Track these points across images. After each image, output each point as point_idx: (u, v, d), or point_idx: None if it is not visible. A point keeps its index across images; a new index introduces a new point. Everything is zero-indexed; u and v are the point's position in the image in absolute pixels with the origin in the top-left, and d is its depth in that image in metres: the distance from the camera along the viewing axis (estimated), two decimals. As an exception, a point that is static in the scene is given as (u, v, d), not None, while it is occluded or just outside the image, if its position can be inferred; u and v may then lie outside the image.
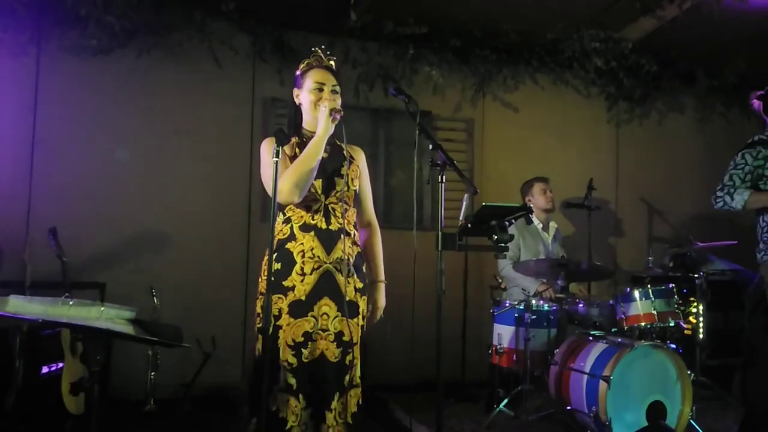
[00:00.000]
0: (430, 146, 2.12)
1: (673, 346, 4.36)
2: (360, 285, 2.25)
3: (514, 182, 4.63)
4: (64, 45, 3.70)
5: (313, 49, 2.33)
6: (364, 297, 2.27)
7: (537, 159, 4.75)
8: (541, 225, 4.08)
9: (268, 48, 4.11)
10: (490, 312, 3.63)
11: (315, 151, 2.12)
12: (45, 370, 3.04)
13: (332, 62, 2.30)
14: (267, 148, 2.17)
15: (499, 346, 3.52)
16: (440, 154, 2.07)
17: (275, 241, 2.16)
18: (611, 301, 3.56)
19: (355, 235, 2.28)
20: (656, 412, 3.03)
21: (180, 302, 3.74)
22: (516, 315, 3.44)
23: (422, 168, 4.53)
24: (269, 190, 2.11)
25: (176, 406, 3.45)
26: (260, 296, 2.17)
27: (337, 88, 2.25)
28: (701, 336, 4.14)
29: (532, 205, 4.04)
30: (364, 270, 2.30)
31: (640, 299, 3.38)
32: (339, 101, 2.23)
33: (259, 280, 2.21)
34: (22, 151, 3.67)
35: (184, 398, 3.43)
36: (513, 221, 2.06)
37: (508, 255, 3.93)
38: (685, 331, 4.20)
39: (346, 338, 2.16)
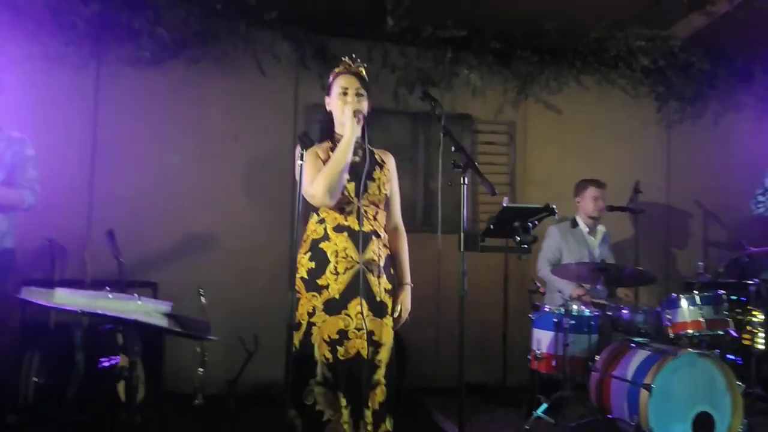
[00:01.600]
0: (453, 148, 2.13)
1: (732, 356, 4.22)
2: (389, 286, 2.29)
3: (558, 185, 4.56)
4: (121, 57, 3.94)
5: (342, 58, 2.39)
6: (392, 298, 2.31)
7: (582, 161, 4.65)
8: (587, 229, 3.99)
9: (309, 55, 4.23)
10: (530, 317, 3.59)
11: (343, 153, 2.19)
12: (104, 362, 3.24)
13: (361, 69, 2.35)
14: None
15: (538, 352, 3.48)
16: (462, 156, 2.08)
17: (309, 241, 2.25)
18: (658, 308, 3.45)
19: (385, 237, 2.33)
20: (704, 423, 2.92)
21: (226, 301, 3.90)
22: (555, 320, 3.38)
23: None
24: (304, 193, 2.20)
25: (222, 401, 3.59)
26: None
27: (362, 92, 2.30)
28: (760, 346, 3.93)
29: (579, 207, 3.96)
30: (392, 272, 2.34)
31: (687, 306, 3.26)
32: (364, 104, 2.29)
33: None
34: (84, 157, 3.92)
35: (228, 394, 3.57)
36: (536, 222, 2.05)
37: (547, 257, 3.89)
38: (744, 341, 4.02)
39: (376, 338, 2.22)
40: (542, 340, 3.48)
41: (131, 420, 1.79)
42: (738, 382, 2.97)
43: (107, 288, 1.77)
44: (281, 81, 4.25)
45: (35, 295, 1.72)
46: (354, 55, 2.38)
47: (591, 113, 4.81)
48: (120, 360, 3.10)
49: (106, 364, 3.16)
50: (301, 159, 2.02)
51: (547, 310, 3.47)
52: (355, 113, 2.21)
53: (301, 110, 4.30)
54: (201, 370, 3.56)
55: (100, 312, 1.61)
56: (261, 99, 4.22)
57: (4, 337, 3.30)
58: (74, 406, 3.17)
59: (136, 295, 1.84)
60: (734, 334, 3.23)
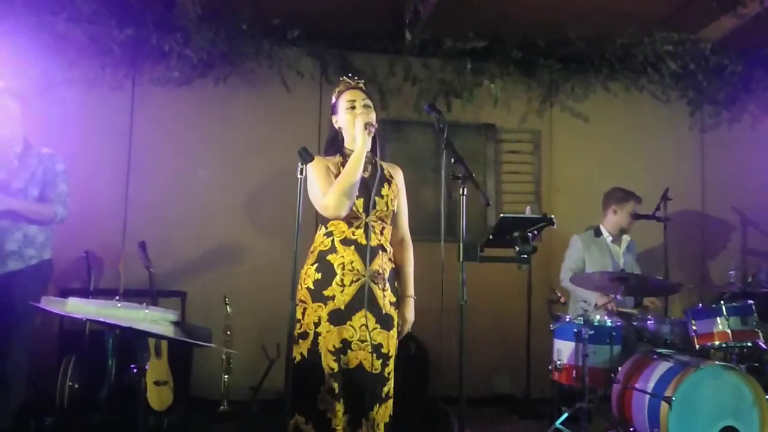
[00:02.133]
0: (453, 160, 2.16)
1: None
2: (393, 299, 2.32)
3: (585, 194, 4.50)
4: (153, 78, 4.15)
5: (341, 78, 2.47)
6: (397, 310, 2.34)
7: (610, 169, 4.59)
8: (610, 237, 3.92)
9: (332, 70, 4.33)
10: (550, 327, 3.54)
11: (355, 166, 2.22)
12: (134, 368, 3.40)
13: (361, 84, 2.40)
14: (314, 166, 2.28)
15: (558, 362, 3.43)
16: (461, 168, 2.11)
17: (317, 252, 2.29)
18: (684, 318, 3.35)
19: (391, 251, 2.36)
20: (729, 438, 2.83)
21: (251, 310, 4.02)
22: (575, 330, 3.33)
23: (486, 181, 4.58)
24: (316, 205, 2.28)
25: (246, 407, 3.70)
26: (300, 303, 2.26)
27: (369, 103, 2.34)
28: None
29: (612, 218, 3.88)
30: (396, 285, 2.37)
31: (713, 316, 3.15)
32: (373, 116, 2.32)
33: (298, 288, 2.30)
34: (119, 173, 4.14)
35: (252, 401, 3.67)
36: (536, 232, 2.05)
37: (570, 267, 3.83)
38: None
39: (384, 350, 2.24)
40: (563, 350, 3.43)
41: (138, 423, 1.88)
42: (767, 396, 2.85)
43: (116, 297, 1.88)
44: (305, 96, 4.37)
45: (51, 304, 1.85)
46: (351, 74, 2.45)
47: (619, 120, 4.72)
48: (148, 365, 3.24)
49: (136, 370, 3.31)
50: (301, 174, 2.08)
51: (568, 320, 3.42)
52: (366, 125, 2.24)
53: (325, 124, 4.33)
54: (226, 376, 3.68)
55: (103, 320, 1.72)
56: (286, 114, 4.35)
57: (44, 344, 3.52)
58: (106, 410, 3.33)
59: (144, 304, 1.95)
60: (764, 346, 3.09)
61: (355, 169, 2.22)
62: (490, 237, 2.01)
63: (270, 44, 4.16)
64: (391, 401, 2.29)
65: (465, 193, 2.13)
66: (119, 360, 3.48)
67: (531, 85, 4.61)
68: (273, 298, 4.17)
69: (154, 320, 1.91)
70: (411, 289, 2.40)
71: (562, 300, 3.57)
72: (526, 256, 1.98)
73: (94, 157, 4.01)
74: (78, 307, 1.80)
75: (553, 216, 1.93)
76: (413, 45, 4.26)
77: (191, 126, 4.24)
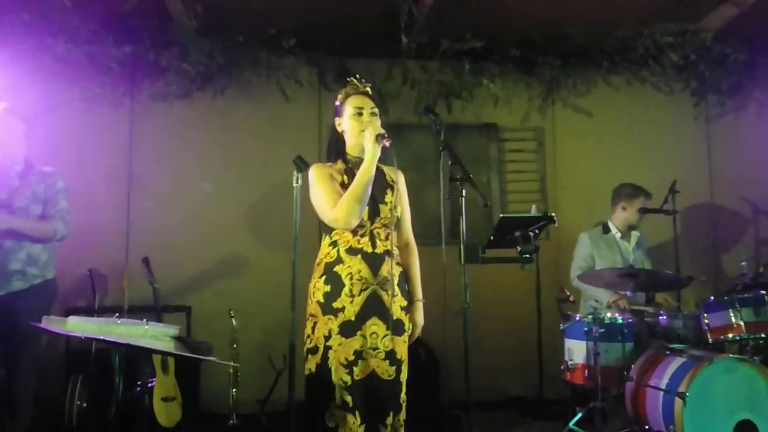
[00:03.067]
0: (450, 162, 2.13)
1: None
2: (404, 303, 2.28)
3: (591, 190, 4.45)
4: (152, 93, 4.15)
5: (348, 78, 2.42)
6: (408, 315, 2.30)
7: (616, 163, 4.53)
8: (619, 234, 3.86)
9: (331, 77, 4.33)
10: (560, 327, 3.49)
11: (365, 178, 2.18)
12: (140, 385, 3.38)
13: (368, 88, 2.37)
14: (316, 174, 2.27)
15: (570, 362, 3.38)
16: (459, 169, 2.08)
17: (323, 265, 2.25)
18: (697, 312, 3.28)
19: (397, 255, 2.32)
20: (746, 431, 2.76)
21: (257, 323, 3.99)
22: (586, 329, 3.28)
23: (490, 181, 4.54)
24: (320, 214, 2.25)
25: (255, 420, 3.67)
26: (310, 318, 2.24)
27: (376, 111, 2.31)
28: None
29: (621, 214, 3.82)
30: (406, 288, 2.33)
31: (725, 309, 3.09)
32: (378, 123, 2.28)
33: (308, 302, 2.28)
34: (121, 190, 4.14)
35: (260, 414, 3.64)
36: (537, 231, 2.01)
37: (580, 265, 3.78)
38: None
39: (398, 356, 2.21)
40: (574, 350, 3.37)
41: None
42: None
43: (116, 315, 1.86)
44: (304, 104, 4.36)
45: (51, 324, 1.83)
46: (358, 75, 2.40)
47: (622, 113, 4.67)
48: (155, 382, 3.23)
49: (143, 387, 3.30)
50: (296, 182, 2.06)
51: (578, 319, 3.36)
52: (378, 137, 2.18)
53: (325, 131, 4.37)
54: (234, 390, 3.65)
55: (104, 338, 1.70)
56: (286, 123, 4.34)
57: (51, 363, 3.52)
58: (115, 428, 3.31)
59: (144, 320, 1.92)
60: (778, 337, 3.02)
61: (364, 181, 2.17)
62: (491, 238, 1.97)
63: (267, 54, 4.16)
64: (404, 406, 2.25)
65: (464, 194, 2.10)
66: (126, 378, 3.44)
67: (531, 83, 4.57)
68: (278, 310, 4.11)
69: (154, 336, 1.89)
70: (419, 293, 2.36)
71: (572, 299, 3.51)
72: (528, 255, 1.93)
73: (95, 174, 4.03)
74: (78, 326, 1.78)
75: (554, 214, 1.89)
76: (410, 48, 4.23)
77: (191, 139, 4.24)
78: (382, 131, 2.21)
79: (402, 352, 2.23)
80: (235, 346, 3.69)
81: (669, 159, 4.59)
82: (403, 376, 2.23)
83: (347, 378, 2.14)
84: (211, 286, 4.12)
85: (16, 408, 2.76)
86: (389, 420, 2.17)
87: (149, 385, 3.17)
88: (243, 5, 3.86)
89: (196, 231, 4.16)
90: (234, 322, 3.69)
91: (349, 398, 2.13)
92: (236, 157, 4.28)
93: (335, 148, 2.40)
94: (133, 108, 4.19)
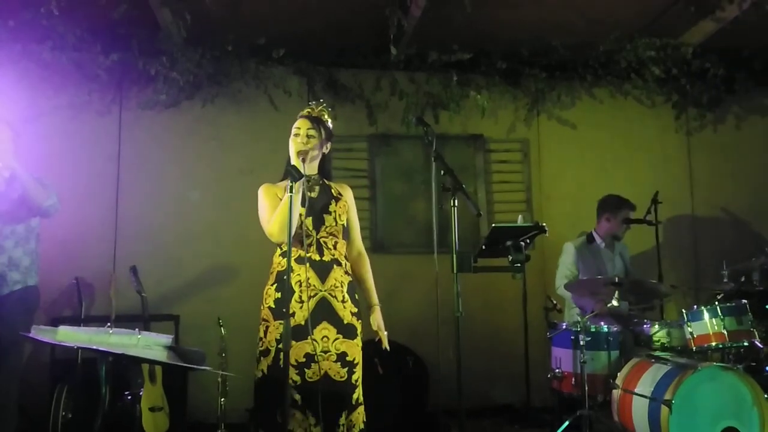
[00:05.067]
0: (442, 172, 2.17)
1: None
2: (354, 310, 2.42)
3: (576, 200, 4.53)
4: (140, 102, 4.14)
5: (309, 102, 2.61)
6: (359, 321, 2.43)
7: (600, 174, 4.62)
8: (603, 244, 3.94)
9: (319, 87, 4.36)
10: (547, 335, 3.54)
11: (287, 200, 2.24)
12: (128, 395, 3.35)
13: (324, 113, 2.52)
14: (263, 192, 2.46)
15: (557, 370, 3.42)
16: (451, 179, 2.11)
17: (275, 273, 2.42)
18: (680, 320, 3.35)
19: (346, 265, 2.46)
20: (730, 438, 2.82)
21: (246, 331, 3.94)
22: (572, 337, 3.33)
23: (477, 191, 4.59)
24: (264, 228, 2.40)
25: (244, 430, 3.64)
26: (263, 322, 2.39)
27: (312, 132, 2.44)
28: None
29: (605, 225, 3.88)
30: (356, 297, 2.46)
31: (708, 318, 3.17)
32: (312, 143, 2.43)
33: (261, 308, 2.43)
34: (108, 198, 4.11)
35: (249, 423, 3.61)
36: (528, 241, 2.05)
37: (564, 274, 3.84)
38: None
39: (349, 358, 2.34)
40: (561, 358, 3.42)
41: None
42: (766, 395, 2.85)
43: (108, 324, 1.86)
44: (293, 114, 4.26)
45: (41, 333, 1.82)
46: (321, 100, 2.59)
47: (606, 126, 4.76)
48: (143, 392, 3.20)
49: (130, 396, 3.27)
50: (291, 191, 2.10)
51: (564, 327, 3.41)
52: (299, 153, 2.36)
53: (314, 141, 4.40)
54: (222, 399, 3.62)
55: (96, 348, 1.69)
56: (275, 133, 4.30)
57: (35, 373, 3.47)
58: (102, 439, 3.27)
59: (136, 329, 1.92)
60: (760, 345, 3.10)
61: (286, 201, 2.26)
62: (483, 247, 2.01)
63: (256, 64, 4.18)
64: (362, 407, 2.38)
65: (456, 204, 2.13)
66: (113, 388, 3.42)
67: (517, 95, 4.64)
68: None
69: (147, 345, 1.89)
70: (375, 299, 2.52)
71: (559, 308, 3.56)
72: (519, 264, 1.97)
73: (83, 182, 3.99)
74: (69, 336, 1.78)
75: (545, 224, 1.93)
76: (399, 60, 4.28)
77: (180, 148, 4.24)
78: (304, 149, 2.39)
79: (354, 355, 2.36)
80: (223, 355, 3.66)
81: (651, 170, 4.69)
82: (356, 377, 2.35)
83: (297, 378, 2.26)
84: (200, 294, 4.10)
85: (-2, 418, 2.72)
86: (342, 420, 2.29)
87: (138, 393, 3.14)
88: (232, 14, 3.88)
89: (184, 240, 4.14)
90: (223, 331, 3.66)
91: (298, 396, 2.26)
92: (225, 165, 4.28)
93: (287, 167, 2.52)
94: (122, 116, 4.17)
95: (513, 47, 4.43)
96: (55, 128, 4.00)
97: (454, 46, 4.30)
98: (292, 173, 2.08)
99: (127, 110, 4.18)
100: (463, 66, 4.43)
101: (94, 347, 1.75)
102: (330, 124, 2.53)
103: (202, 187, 4.23)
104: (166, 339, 1.96)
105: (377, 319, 2.47)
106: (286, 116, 4.34)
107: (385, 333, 2.46)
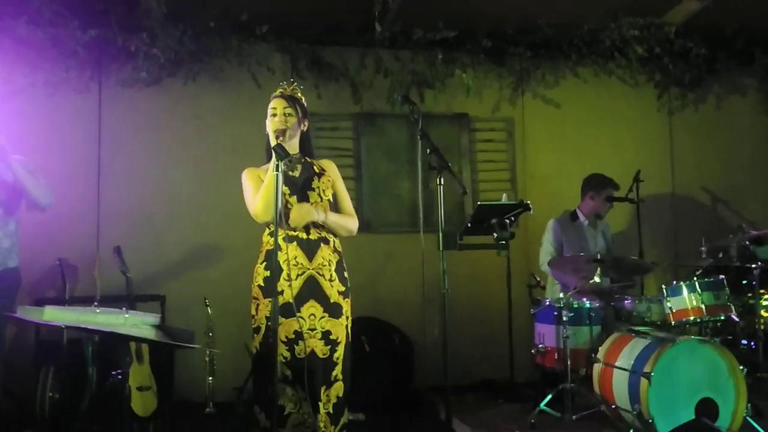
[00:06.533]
0: (428, 150, 2.18)
1: (745, 342, 4.14)
2: (342, 288, 2.45)
3: (559, 179, 4.58)
4: (120, 79, 4.06)
5: (280, 83, 2.59)
6: (347, 299, 2.46)
7: (584, 153, 4.66)
8: (586, 222, 3.99)
9: (303, 65, 4.30)
10: (530, 312, 3.60)
11: (271, 178, 2.29)
12: (117, 374, 3.34)
13: (296, 91, 2.54)
14: (246, 176, 2.51)
15: (540, 346, 3.49)
16: (437, 158, 2.12)
17: (264, 252, 2.46)
18: (660, 296, 3.43)
19: (334, 242, 2.47)
20: (707, 409, 2.90)
21: (232, 312, 3.96)
22: (555, 313, 3.39)
23: (462, 170, 4.61)
24: (250, 210, 2.43)
25: (232, 408, 3.67)
26: (253, 300, 2.44)
27: (290, 111, 2.46)
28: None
29: (589, 203, 3.93)
30: (345, 275, 2.48)
31: (687, 293, 3.24)
32: (290, 121, 2.44)
33: (252, 286, 2.46)
34: (90, 178, 4.05)
35: (237, 401, 3.65)
36: (513, 218, 2.08)
37: (548, 251, 3.89)
38: (761, 326, 3.96)
39: (333, 337, 2.39)
40: (544, 333, 3.49)
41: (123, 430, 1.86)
42: (741, 367, 2.94)
43: (95, 303, 1.85)
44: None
45: (28, 314, 1.81)
46: (293, 80, 2.59)
47: (590, 105, 4.79)
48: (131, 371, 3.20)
49: (117, 376, 3.26)
50: (277, 170, 2.10)
51: (548, 303, 3.47)
52: (276, 132, 2.36)
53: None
54: (210, 378, 3.64)
55: (84, 327, 1.69)
56: (258, 111, 4.25)
57: (20, 355, 3.44)
58: (88, 420, 3.28)
59: (123, 309, 1.92)
60: (736, 319, 3.19)
61: (270, 178, 2.30)
62: (468, 225, 2.03)
63: (239, 41, 4.11)
64: (339, 383, 2.43)
65: (442, 182, 2.15)
66: (99, 368, 3.41)
67: (502, 74, 4.64)
68: (254, 297, 4.16)
69: (134, 324, 1.89)
70: (330, 215, 2.44)
71: (543, 284, 3.62)
72: (504, 242, 2.00)
73: (62, 162, 3.92)
74: (56, 315, 1.77)
75: (529, 202, 1.95)
76: (384, 37, 4.25)
77: (162, 126, 4.18)
78: (280, 127, 2.39)
79: (338, 334, 2.40)
80: (210, 334, 3.68)
81: (633, 149, 4.75)
82: (337, 355, 2.40)
83: (287, 354, 2.33)
84: (185, 274, 4.09)
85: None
86: (322, 396, 2.35)
87: (125, 373, 3.14)
88: (214, -11, 3.81)
89: (169, 219, 4.11)
90: (209, 311, 3.67)
91: (288, 372, 2.33)
92: (208, 144, 4.23)
93: (268, 150, 2.54)
94: (101, 94, 4.09)
95: (498, 25, 4.41)
96: (32, 106, 3.91)
97: (439, 23, 4.27)
98: (278, 152, 2.08)
99: (107, 88, 4.09)
100: (449, 44, 4.40)
101: (82, 326, 1.75)
102: (304, 101, 2.54)
103: (186, 166, 4.18)
104: (154, 318, 1.96)
105: (304, 205, 2.41)
106: (269, 94, 4.32)
107: (304, 211, 2.41)
